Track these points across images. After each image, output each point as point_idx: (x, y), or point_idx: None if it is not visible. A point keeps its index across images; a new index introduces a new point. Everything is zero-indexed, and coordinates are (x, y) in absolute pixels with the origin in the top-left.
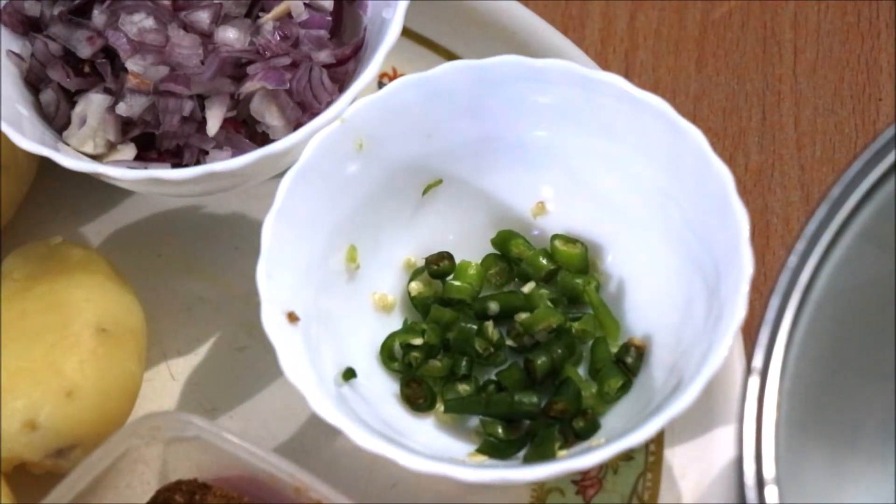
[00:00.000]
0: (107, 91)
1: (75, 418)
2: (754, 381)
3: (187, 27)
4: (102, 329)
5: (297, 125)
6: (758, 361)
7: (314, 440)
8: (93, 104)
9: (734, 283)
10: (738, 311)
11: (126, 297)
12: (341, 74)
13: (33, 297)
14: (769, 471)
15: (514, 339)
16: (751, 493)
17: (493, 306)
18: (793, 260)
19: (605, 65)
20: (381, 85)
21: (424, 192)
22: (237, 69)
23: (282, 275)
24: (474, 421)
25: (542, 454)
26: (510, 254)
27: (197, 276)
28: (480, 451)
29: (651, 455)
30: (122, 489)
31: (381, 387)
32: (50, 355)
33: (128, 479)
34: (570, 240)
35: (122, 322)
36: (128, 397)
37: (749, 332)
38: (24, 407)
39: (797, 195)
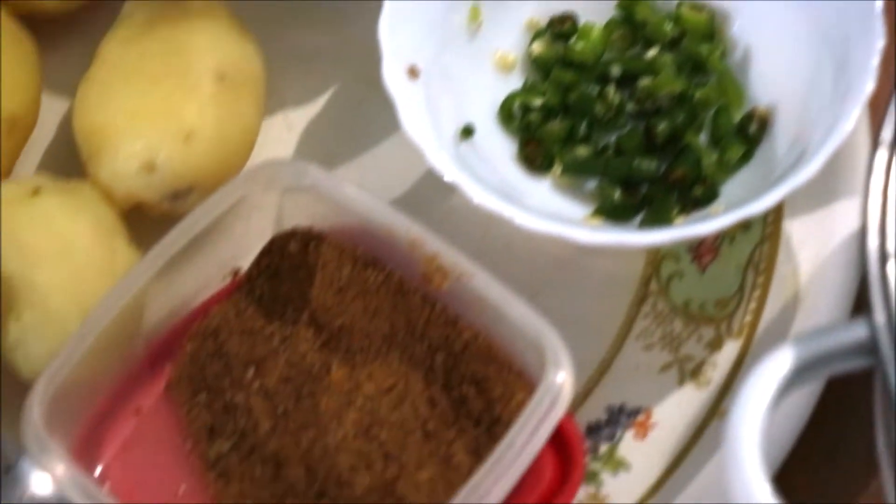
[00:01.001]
0: None
1: (193, 162)
2: (882, 154)
3: None
4: (222, 75)
5: None
6: (887, 134)
7: (430, 196)
8: None
9: (864, 55)
10: (867, 83)
11: (246, 44)
12: None
13: (154, 41)
14: (892, 244)
15: (635, 104)
16: (873, 266)
17: (616, 69)
18: None
19: None
20: None
21: None
22: None
23: (404, 29)
24: (591, 184)
25: (659, 219)
26: (635, 18)
27: (318, 26)
28: (597, 214)
29: (769, 225)
30: (237, 234)
31: (498, 147)
32: (169, 99)
33: (243, 225)
34: (696, 5)
35: (241, 69)
36: (245, 144)
37: (877, 106)
38: (142, 148)
39: None
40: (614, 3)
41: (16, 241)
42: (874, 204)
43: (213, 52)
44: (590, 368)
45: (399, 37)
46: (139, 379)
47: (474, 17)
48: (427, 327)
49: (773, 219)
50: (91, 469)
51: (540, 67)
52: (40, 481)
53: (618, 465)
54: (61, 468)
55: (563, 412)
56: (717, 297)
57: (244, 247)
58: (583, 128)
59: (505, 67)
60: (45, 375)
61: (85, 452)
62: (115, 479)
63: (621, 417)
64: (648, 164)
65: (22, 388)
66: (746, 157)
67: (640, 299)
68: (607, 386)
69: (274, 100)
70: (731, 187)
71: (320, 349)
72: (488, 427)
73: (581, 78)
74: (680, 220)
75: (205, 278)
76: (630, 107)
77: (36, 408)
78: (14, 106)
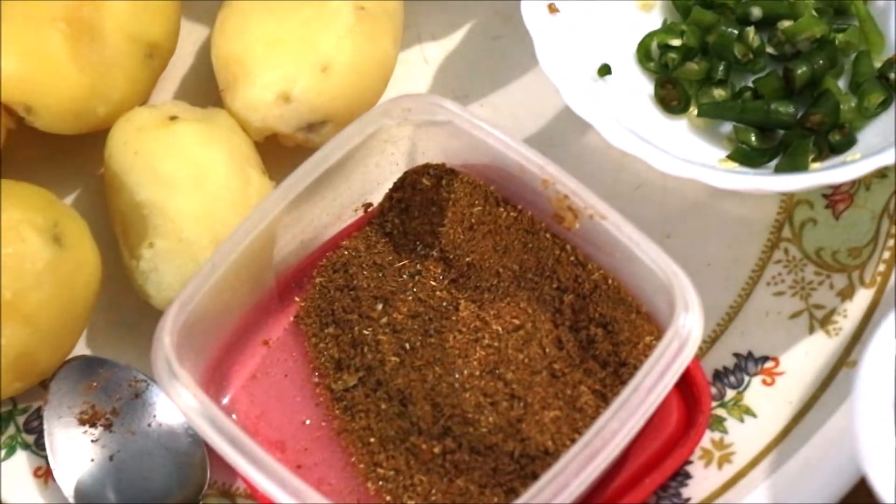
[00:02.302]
0: None
1: (329, 93)
2: None
3: None
4: (361, 6)
5: None
6: None
7: (564, 135)
8: None
9: None
10: None
11: None
12: None
13: None
14: None
15: (774, 47)
16: None
17: (756, 11)
18: None
19: None
20: None
21: None
22: None
23: None
24: (727, 127)
25: (794, 165)
26: None
27: None
28: (732, 157)
29: None
30: (370, 167)
31: (635, 86)
32: (307, 29)
33: (377, 158)
34: None
35: (379, 2)
36: (381, 77)
37: None
38: (279, 79)
39: None
40: None
41: (150, 167)
42: None
43: None
44: (719, 314)
45: None
46: (268, 311)
47: None
48: (557, 267)
49: None
50: (219, 399)
51: (680, 7)
52: (169, 409)
53: (744, 413)
54: (190, 397)
55: (691, 357)
56: (850, 245)
57: (376, 181)
58: (720, 70)
59: (644, 7)
60: (175, 304)
61: (213, 382)
62: (242, 409)
63: (749, 364)
64: (786, 109)
65: (153, 315)
66: (885, 104)
67: (773, 245)
68: (736, 332)
69: (410, 33)
70: (868, 134)
71: (449, 286)
72: (615, 370)
73: (721, 19)
74: (816, 165)
75: (336, 211)
76: (769, 50)
77: (166, 336)
78: (153, 32)
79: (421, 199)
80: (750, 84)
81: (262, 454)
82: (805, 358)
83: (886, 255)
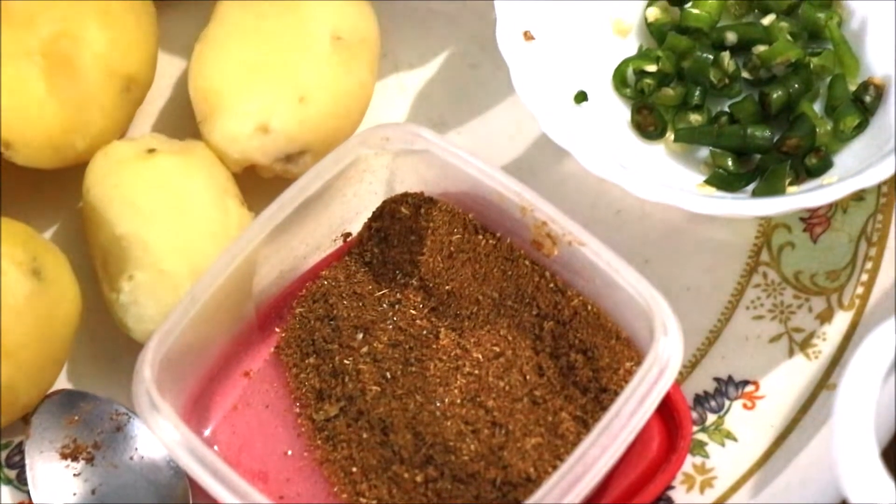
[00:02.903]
0: None
1: (307, 124)
2: None
3: None
4: (337, 36)
5: None
6: None
7: (541, 162)
8: None
9: None
10: None
11: (361, 6)
12: None
13: (271, 1)
14: None
15: (749, 72)
16: None
17: (731, 36)
18: None
19: None
20: None
21: None
22: None
23: None
24: (704, 152)
25: (771, 189)
26: None
27: None
28: (709, 182)
29: (883, 196)
30: (349, 197)
31: (612, 112)
32: (284, 60)
33: (355, 188)
34: None
35: (356, 30)
36: (359, 106)
37: None
38: (257, 110)
39: None
40: None
41: (130, 200)
42: None
43: (328, 13)
44: (699, 338)
45: (514, 0)
46: (249, 342)
47: None
48: (536, 294)
49: (888, 189)
50: (200, 431)
51: (655, 33)
52: (150, 442)
53: (725, 437)
54: (171, 429)
55: (671, 382)
56: (828, 269)
57: (355, 210)
58: (696, 95)
59: (620, 33)
60: (156, 336)
61: (194, 414)
62: (224, 440)
63: (730, 388)
64: (762, 133)
65: (134, 348)
66: (861, 127)
67: (751, 269)
68: (716, 356)
69: (387, 62)
70: (844, 157)
71: (429, 314)
72: (596, 395)
73: (696, 44)
74: (793, 189)
75: (316, 241)
76: (745, 74)
77: (147, 369)
78: (131, 65)
79: (400, 228)
80: (726, 109)
81: (244, 485)
82: (785, 381)
83: (864, 277)
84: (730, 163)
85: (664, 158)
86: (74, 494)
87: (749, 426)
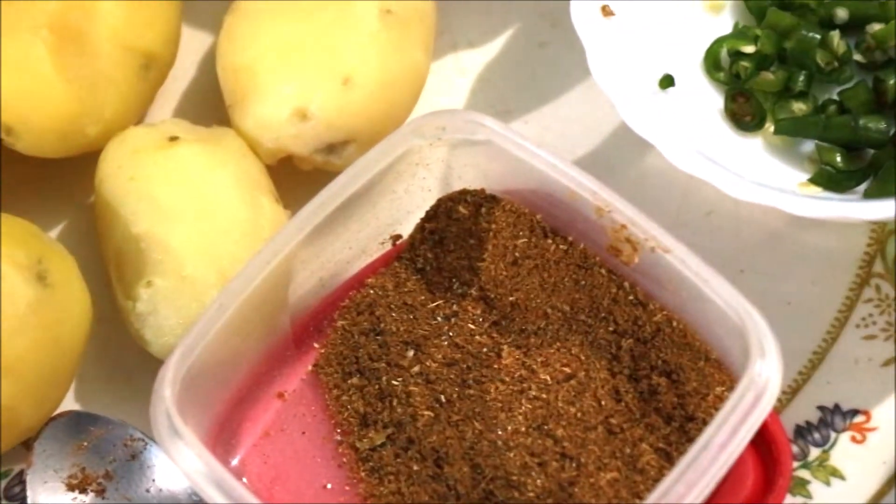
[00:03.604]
0: None
1: (351, 109)
2: None
3: None
4: (388, 10)
5: None
6: None
7: (620, 156)
8: None
9: None
10: None
11: None
12: None
13: None
14: None
15: (863, 54)
16: None
17: (842, 13)
18: None
19: None
20: None
21: None
22: None
23: None
24: (809, 146)
25: (886, 189)
26: None
27: None
28: (814, 181)
29: None
30: (399, 194)
31: (702, 100)
32: (327, 36)
33: (406, 184)
34: None
35: (409, 3)
36: (411, 90)
37: None
38: (294, 93)
39: None
40: None
41: (148, 195)
42: None
43: None
44: (801, 361)
45: None
46: (283, 359)
47: None
48: (613, 308)
49: None
50: (227, 460)
51: (753, 9)
52: (170, 472)
53: (831, 474)
54: (194, 458)
55: (768, 410)
56: None
57: (406, 209)
58: (801, 80)
59: (713, 9)
60: (177, 351)
61: (220, 441)
62: (254, 471)
63: (836, 419)
64: (876, 125)
65: (152, 365)
66: None
67: (862, 282)
68: (820, 382)
69: (444, 40)
70: None
71: (490, 329)
72: (681, 425)
73: (801, 22)
74: None
75: (361, 245)
76: (857, 57)
77: (167, 388)
78: (151, 40)
79: (457, 230)
80: (835, 97)
81: None
82: None
83: None
84: (838, 159)
85: (762, 153)
86: None
87: (859, 462)
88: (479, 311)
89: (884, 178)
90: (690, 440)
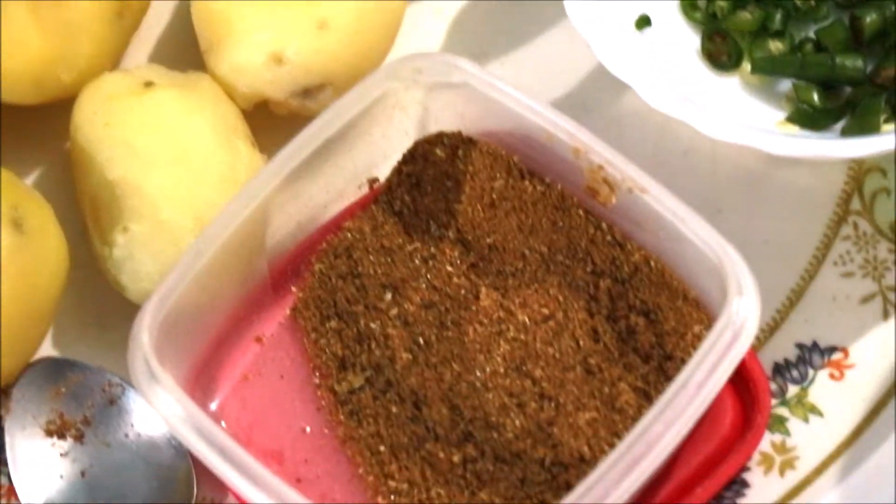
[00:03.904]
0: None
1: (327, 53)
2: None
3: None
4: None
5: None
6: None
7: (597, 97)
8: None
9: None
10: None
11: None
12: None
13: None
14: None
15: None
16: None
17: None
18: None
19: None
20: None
21: None
22: None
23: None
24: (785, 85)
25: (864, 126)
26: None
27: None
28: (791, 119)
29: None
30: (376, 137)
31: (679, 40)
32: None
33: (383, 127)
34: None
35: None
36: (387, 33)
37: None
38: (270, 37)
39: None
40: None
41: (124, 141)
42: None
43: None
44: (779, 299)
45: None
46: (261, 303)
47: None
48: (591, 248)
49: None
50: (206, 404)
51: None
52: (148, 417)
53: (809, 411)
54: (173, 402)
55: (746, 348)
56: None
57: (383, 153)
58: (777, 19)
59: None
60: (154, 297)
61: (199, 385)
62: (233, 415)
63: (814, 356)
64: (853, 63)
65: (129, 310)
66: None
67: (840, 219)
68: (799, 319)
69: None
70: None
71: (467, 271)
72: (659, 364)
73: None
74: (888, 127)
75: (338, 188)
76: None
77: (145, 333)
78: None
79: (434, 173)
80: (811, 35)
81: (256, 466)
82: (878, 348)
83: None
84: (815, 97)
85: (739, 92)
86: (61, 477)
87: (836, 399)
88: (456, 254)
89: (861, 116)
90: (669, 379)
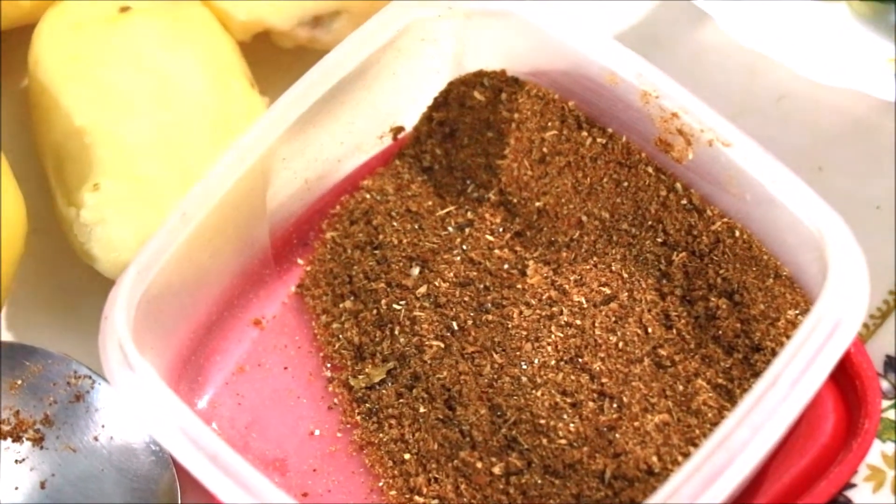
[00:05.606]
0: None
1: None
2: None
3: None
4: None
5: None
6: None
7: (671, 30)
8: None
9: None
10: None
11: None
12: None
13: None
14: None
15: None
16: None
17: None
18: None
19: None
20: None
21: None
22: None
23: None
24: None
25: None
26: None
27: None
28: None
29: None
30: (400, 76)
31: None
32: None
33: (409, 64)
34: None
35: None
36: None
37: None
38: None
39: None
40: None
41: (94, 79)
42: None
43: None
44: (892, 277)
45: None
46: (260, 278)
47: None
48: (662, 214)
49: None
50: (193, 400)
51: None
52: (123, 416)
53: None
54: (153, 398)
55: (851, 338)
56: None
57: (410, 95)
58: None
59: None
60: (131, 269)
61: (185, 377)
62: (226, 415)
63: None
64: None
65: (100, 285)
66: None
67: None
68: None
69: None
70: None
71: (512, 241)
72: (745, 356)
73: None
74: None
75: (354, 139)
76: None
77: (120, 314)
78: None
79: (472, 121)
80: None
81: (254, 477)
82: None
83: None
84: None
85: (846, 24)
86: (16, 489)
87: None
88: (498, 220)
89: None
90: (756, 375)
